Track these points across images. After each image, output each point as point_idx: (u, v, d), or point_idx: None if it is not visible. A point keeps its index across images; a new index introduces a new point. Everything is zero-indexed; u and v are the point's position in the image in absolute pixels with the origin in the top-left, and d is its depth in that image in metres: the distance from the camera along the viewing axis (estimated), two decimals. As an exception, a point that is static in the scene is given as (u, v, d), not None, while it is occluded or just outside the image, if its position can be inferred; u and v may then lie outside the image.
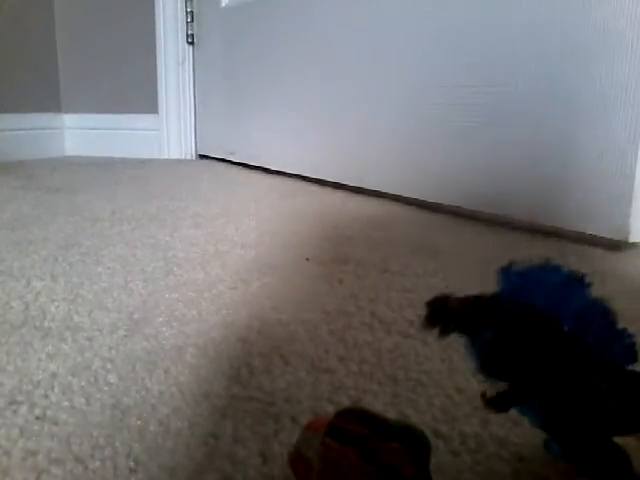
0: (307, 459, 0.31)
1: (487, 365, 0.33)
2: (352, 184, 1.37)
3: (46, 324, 0.58)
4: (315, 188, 1.45)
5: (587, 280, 0.32)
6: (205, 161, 2.06)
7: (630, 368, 0.32)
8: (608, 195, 0.87)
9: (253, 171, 1.76)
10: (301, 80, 1.54)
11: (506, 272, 0.34)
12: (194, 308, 0.63)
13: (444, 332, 0.34)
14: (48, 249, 0.85)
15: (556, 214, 0.94)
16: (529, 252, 0.84)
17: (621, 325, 0.32)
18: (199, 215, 1.11)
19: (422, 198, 1.19)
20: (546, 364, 0.32)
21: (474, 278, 0.74)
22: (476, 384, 0.47)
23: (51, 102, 2.12)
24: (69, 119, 2.18)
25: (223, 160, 1.97)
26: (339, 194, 1.37)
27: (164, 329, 0.57)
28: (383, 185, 1.28)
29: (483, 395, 0.34)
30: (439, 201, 1.15)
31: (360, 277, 0.74)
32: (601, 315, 0.32)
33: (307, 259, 0.82)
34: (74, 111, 2.17)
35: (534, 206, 0.97)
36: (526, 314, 0.33)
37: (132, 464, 0.37)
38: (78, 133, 2.18)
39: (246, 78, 1.79)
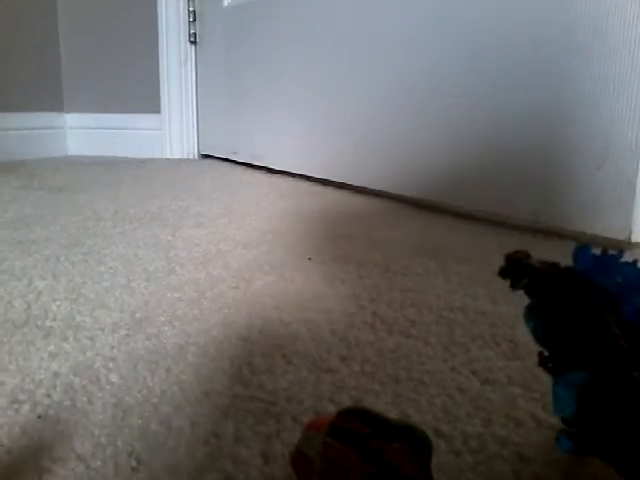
0: (309, 458, 0.31)
1: (543, 331, 0.34)
2: (355, 184, 1.37)
3: (48, 323, 0.58)
4: (318, 188, 1.45)
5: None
6: (207, 161, 2.06)
7: None
8: (611, 195, 0.87)
9: (256, 171, 1.76)
10: (303, 79, 1.54)
11: (582, 251, 0.35)
12: (196, 307, 0.63)
13: (516, 286, 0.35)
14: (50, 248, 0.86)
15: (558, 214, 0.94)
16: (532, 252, 0.84)
17: None
18: (201, 215, 1.11)
19: (425, 198, 1.18)
20: (599, 343, 0.32)
21: (477, 278, 0.74)
22: (478, 385, 0.46)
23: (54, 102, 2.12)
24: (71, 119, 2.18)
25: (225, 160, 1.97)
26: (342, 194, 1.37)
27: (166, 328, 0.57)
28: (387, 185, 1.28)
29: (540, 354, 0.34)
30: (442, 201, 1.14)
31: (362, 277, 0.74)
32: None
33: (309, 259, 0.81)
34: (76, 111, 2.17)
35: (537, 206, 0.97)
36: (595, 293, 0.33)
37: (134, 463, 0.37)
38: (80, 133, 2.19)
39: (248, 77, 1.79)
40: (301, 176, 1.56)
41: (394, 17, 1.23)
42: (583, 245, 0.35)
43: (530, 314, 0.35)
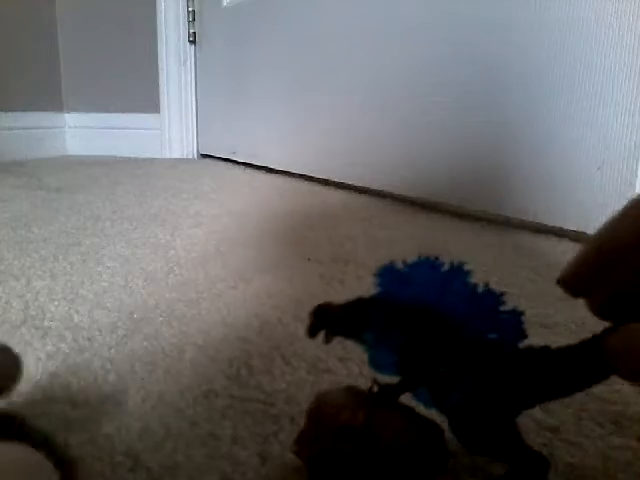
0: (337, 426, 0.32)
1: (375, 362, 0.35)
2: (355, 184, 1.37)
3: (46, 323, 0.58)
4: (318, 188, 1.45)
5: (467, 268, 0.33)
6: (207, 160, 2.06)
7: (522, 344, 0.33)
8: (610, 195, 0.87)
9: (255, 170, 1.76)
10: (304, 79, 1.54)
11: (383, 272, 0.35)
12: (194, 307, 0.63)
13: (327, 338, 0.36)
14: (48, 248, 0.85)
15: (558, 214, 0.93)
16: (532, 251, 0.84)
17: (509, 305, 0.33)
18: (200, 214, 1.11)
19: (425, 198, 1.18)
20: (427, 352, 0.33)
21: (476, 278, 0.73)
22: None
23: (53, 101, 2.12)
24: (71, 118, 2.18)
25: (225, 159, 1.97)
26: (342, 194, 1.37)
27: (164, 329, 0.57)
28: (386, 185, 1.28)
29: (369, 390, 0.35)
30: (442, 200, 1.14)
31: (361, 277, 0.74)
32: (485, 299, 0.33)
33: (308, 259, 0.81)
34: (76, 110, 2.17)
35: (537, 206, 0.97)
36: (404, 311, 0.34)
37: (132, 464, 0.36)
38: (80, 132, 2.18)
39: (248, 77, 1.79)
40: (301, 176, 1.56)
41: (395, 11, 1.22)
42: (384, 266, 0.35)
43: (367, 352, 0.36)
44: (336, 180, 1.42)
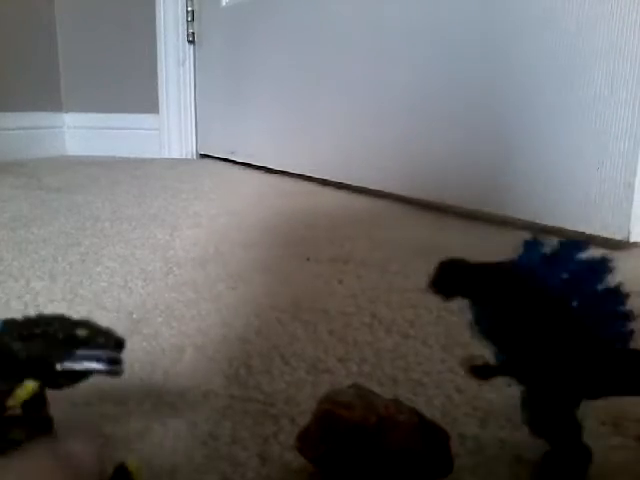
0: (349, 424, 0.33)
1: (485, 333, 0.34)
2: (354, 184, 1.37)
3: (45, 324, 0.58)
4: (317, 188, 1.45)
5: (609, 265, 0.32)
6: (206, 160, 2.06)
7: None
8: (609, 195, 0.87)
9: (254, 171, 1.76)
10: (303, 79, 1.54)
11: (530, 244, 0.34)
12: (194, 308, 0.63)
13: (448, 296, 0.33)
14: (48, 249, 0.85)
15: (558, 214, 0.93)
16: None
17: (633, 321, 0.32)
18: (199, 215, 1.11)
19: (425, 198, 1.18)
20: (539, 342, 0.32)
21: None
22: (477, 386, 0.46)
23: (52, 101, 2.12)
24: (70, 118, 2.18)
25: (224, 160, 1.97)
26: (341, 194, 1.37)
27: (163, 329, 0.57)
28: (386, 185, 1.27)
29: (469, 361, 0.34)
30: (442, 201, 1.14)
31: (360, 277, 0.74)
32: (610, 302, 0.32)
33: (307, 259, 0.81)
34: (75, 110, 2.17)
35: (537, 206, 0.97)
36: (534, 291, 0.33)
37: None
38: (79, 132, 2.18)
39: (247, 77, 1.79)
40: (300, 176, 1.56)
41: (396, 13, 1.22)
42: (531, 239, 0.34)
43: (472, 317, 0.34)
44: (335, 180, 1.42)
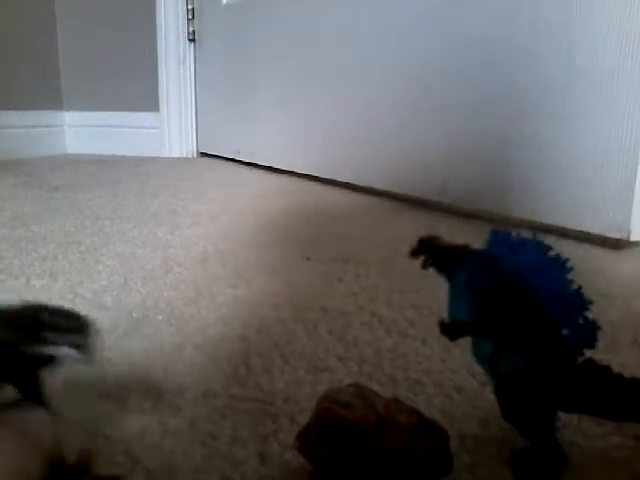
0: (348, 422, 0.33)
1: (453, 305, 0.37)
2: (355, 182, 1.37)
3: (45, 323, 0.58)
4: (318, 187, 1.45)
5: (570, 265, 0.35)
6: (206, 159, 2.06)
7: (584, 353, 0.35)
8: (610, 194, 0.86)
9: (255, 169, 1.76)
10: (304, 77, 1.54)
11: (496, 234, 0.37)
12: (193, 306, 0.63)
13: (425, 264, 0.39)
14: (48, 247, 0.85)
15: (558, 213, 0.93)
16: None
17: (589, 313, 0.35)
18: (199, 213, 1.11)
19: (424, 197, 1.18)
20: (505, 314, 0.35)
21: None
22: (476, 385, 0.46)
23: (52, 100, 2.12)
24: (70, 117, 2.17)
25: (224, 158, 1.97)
26: (343, 193, 1.37)
27: (163, 328, 0.57)
28: (389, 184, 1.27)
29: (441, 322, 0.37)
30: (440, 199, 1.14)
31: (360, 276, 0.74)
32: (574, 298, 0.35)
33: (307, 258, 0.81)
34: (75, 109, 2.17)
35: (536, 206, 0.96)
36: (500, 271, 0.36)
37: (131, 464, 0.36)
38: (79, 131, 2.18)
39: (247, 75, 1.79)
40: (300, 175, 1.56)
41: (393, 14, 1.22)
42: (498, 229, 0.37)
43: (448, 291, 0.38)
44: (337, 179, 1.42)
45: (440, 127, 1.13)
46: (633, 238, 0.85)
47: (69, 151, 2.19)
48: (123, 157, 2.06)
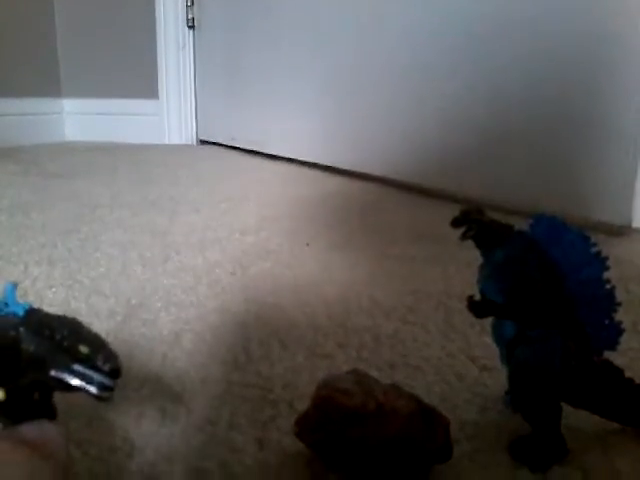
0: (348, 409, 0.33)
1: (489, 282, 0.36)
2: (354, 169, 1.36)
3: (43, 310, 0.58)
4: (317, 174, 1.44)
5: (607, 263, 0.34)
6: (206, 146, 2.05)
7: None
8: (612, 181, 0.86)
9: (254, 157, 1.75)
10: (304, 64, 1.53)
11: (540, 219, 0.36)
12: (192, 293, 0.63)
13: (464, 236, 0.37)
14: (46, 235, 0.85)
15: (560, 200, 0.93)
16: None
17: (617, 315, 0.35)
18: (199, 201, 1.11)
19: (423, 184, 1.18)
20: (536, 301, 0.34)
21: (475, 265, 0.73)
22: (476, 371, 0.46)
23: (51, 87, 2.11)
24: (69, 104, 2.16)
25: (224, 145, 1.96)
26: (342, 180, 1.36)
27: (162, 314, 0.57)
28: (388, 171, 1.27)
29: (469, 298, 0.35)
30: (440, 187, 1.13)
31: (360, 263, 0.74)
32: (604, 297, 0.34)
33: (307, 244, 0.81)
34: (74, 96, 2.15)
35: (538, 192, 0.96)
36: (542, 257, 0.35)
37: (129, 449, 0.36)
38: (78, 118, 2.17)
39: (247, 62, 1.77)
40: (300, 162, 1.55)
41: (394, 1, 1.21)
42: (542, 214, 0.36)
43: (481, 267, 0.37)
44: (335, 166, 1.41)
45: (439, 114, 1.12)
46: (635, 225, 0.85)
47: (68, 138, 2.18)
48: (122, 144, 2.05)
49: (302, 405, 0.40)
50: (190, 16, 2.01)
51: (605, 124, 0.86)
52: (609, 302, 0.34)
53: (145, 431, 0.38)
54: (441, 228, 0.88)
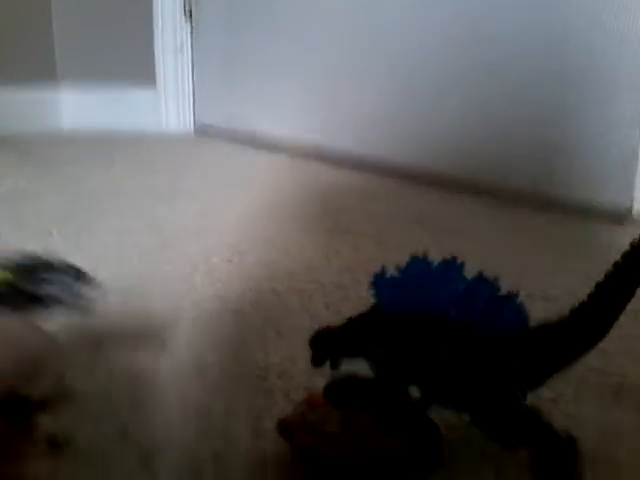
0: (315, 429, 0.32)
1: (386, 377, 0.35)
2: (352, 157, 1.35)
3: (38, 298, 0.57)
4: (315, 165, 1.43)
5: (459, 262, 0.34)
6: (204, 133, 2.04)
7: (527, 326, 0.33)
8: (613, 165, 0.85)
9: (254, 146, 1.74)
10: (303, 50, 1.51)
11: (379, 282, 0.36)
12: (188, 281, 0.62)
13: (334, 366, 0.35)
14: (43, 223, 0.84)
15: (560, 184, 0.92)
16: (526, 225, 0.83)
17: (506, 292, 0.33)
18: (196, 189, 1.10)
19: (422, 167, 1.16)
20: (431, 364, 0.33)
21: (472, 252, 0.72)
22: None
23: (47, 73, 2.09)
24: (66, 91, 2.15)
25: (222, 133, 1.95)
26: (340, 170, 1.35)
27: (158, 302, 0.57)
28: (386, 154, 1.25)
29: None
30: (440, 170, 1.12)
31: (357, 249, 0.73)
32: (483, 290, 0.33)
33: (304, 230, 0.80)
34: (71, 83, 2.14)
35: (537, 176, 0.95)
36: (406, 321, 0.34)
37: (121, 437, 0.36)
38: (75, 105, 2.16)
39: (246, 50, 1.76)
40: (300, 153, 1.54)
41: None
42: (378, 274, 0.36)
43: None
44: (333, 154, 1.40)
45: (437, 97, 1.11)
46: (636, 208, 0.85)
47: (64, 125, 2.16)
48: (119, 131, 2.03)
49: (297, 395, 0.40)
50: (187, 8, 2.00)
51: (607, 106, 0.85)
52: (487, 287, 0.33)
53: (140, 420, 0.38)
54: (438, 215, 0.87)
